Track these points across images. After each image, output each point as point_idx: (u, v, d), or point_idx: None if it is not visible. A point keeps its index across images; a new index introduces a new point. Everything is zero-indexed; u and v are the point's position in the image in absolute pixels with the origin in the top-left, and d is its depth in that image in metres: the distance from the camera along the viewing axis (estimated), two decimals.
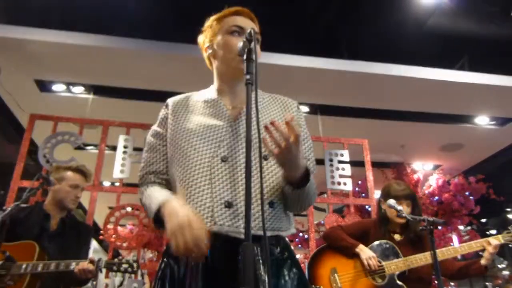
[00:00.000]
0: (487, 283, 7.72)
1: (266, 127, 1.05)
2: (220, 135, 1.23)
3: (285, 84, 4.33)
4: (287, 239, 1.28)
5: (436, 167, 6.95)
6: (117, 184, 5.20)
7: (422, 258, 2.43)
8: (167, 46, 4.05)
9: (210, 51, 1.38)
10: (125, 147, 3.79)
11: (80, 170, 2.54)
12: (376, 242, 2.57)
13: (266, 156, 1.22)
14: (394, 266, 2.47)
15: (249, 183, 0.96)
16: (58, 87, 4.53)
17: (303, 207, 1.24)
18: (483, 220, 8.51)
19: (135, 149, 3.80)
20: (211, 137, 1.23)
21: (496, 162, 6.51)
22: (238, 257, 1.08)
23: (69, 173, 2.50)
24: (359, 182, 6.05)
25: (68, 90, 4.55)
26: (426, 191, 6.41)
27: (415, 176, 6.60)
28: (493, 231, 9.13)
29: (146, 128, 3.93)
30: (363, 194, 6.13)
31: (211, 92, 1.39)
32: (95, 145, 5.39)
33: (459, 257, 2.63)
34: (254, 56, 1.10)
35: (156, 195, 1.20)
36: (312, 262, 2.62)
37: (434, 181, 6.47)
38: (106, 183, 5.69)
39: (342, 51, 4.50)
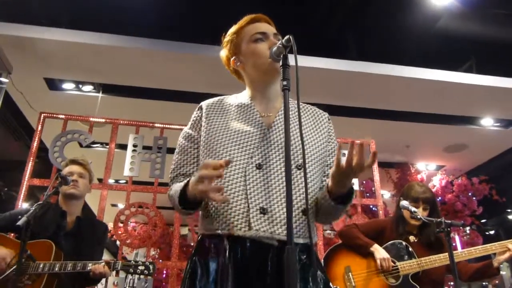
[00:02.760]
0: (484, 283, 7.78)
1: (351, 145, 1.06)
2: (254, 142, 1.24)
3: (294, 84, 4.33)
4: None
5: (440, 167, 6.98)
6: (122, 182, 5.23)
7: (437, 260, 2.44)
8: (176, 46, 4.06)
9: (238, 63, 1.38)
10: (134, 145, 3.80)
11: (73, 160, 2.61)
12: (391, 242, 2.57)
13: (300, 166, 1.22)
14: (408, 266, 2.48)
15: (290, 187, 0.97)
16: (68, 86, 4.53)
17: (331, 221, 1.28)
18: (483, 221, 8.56)
19: (144, 147, 3.81)
20: (245, 143, 1.23)
21: (500, 163, 6.55)
22: (268, 262, 1.11)
23: (66, 167, 2.60)
24: (363, 182, 6.08)
25: (78, 89, 4.55)
26: None
27: (419, 177, 6.64)
28: (492, 232, 9.19)
29: (155, 127, 3.95)
30: (367, 194, 6.17)
31: (244, 97, 1.39)
32: (103, 144, 5.41)
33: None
34: (294, 62, 1.10)
35: (181, 184, 1.22)
36: (326, 260, 2.63)
37: (437, 182, 6.52)
38: (111, 181, 5.69)
39: (351, 52, 4.51)
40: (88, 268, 2.19)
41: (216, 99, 1.40)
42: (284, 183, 1.12)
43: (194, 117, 1.38)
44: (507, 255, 2.36)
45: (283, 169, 1.18)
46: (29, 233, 1.92)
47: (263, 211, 1.14)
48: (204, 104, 1.39)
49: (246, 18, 1.38)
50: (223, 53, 1.45)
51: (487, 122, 5.45)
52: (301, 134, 1.04)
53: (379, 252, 2.51)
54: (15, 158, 5.59)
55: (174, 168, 1.34)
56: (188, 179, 1.18)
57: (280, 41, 1.19)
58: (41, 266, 2.17)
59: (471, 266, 2.55)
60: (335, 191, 1.16)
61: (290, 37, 1.13)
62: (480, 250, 2.45)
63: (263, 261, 1.11)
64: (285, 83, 1.11)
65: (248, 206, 1.14)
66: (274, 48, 1.22)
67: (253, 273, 1.11)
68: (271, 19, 1.42)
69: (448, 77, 4.53)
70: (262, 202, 1.15)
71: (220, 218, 1.16)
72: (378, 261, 2.47)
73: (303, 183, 1.19)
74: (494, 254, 2.47)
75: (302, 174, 1.21)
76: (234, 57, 1.39)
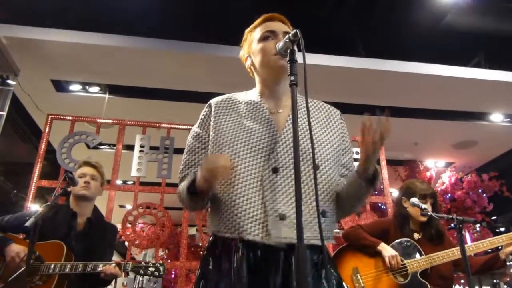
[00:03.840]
0: (495, 281, 7.70)
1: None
2: (267, 144, 1.22)
3: (300, 82, 4.32)
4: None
5: (449, 164, 6.91)
6: (129, 183, 5.24)
7: (445, 256, 2.43)
8: (183, 46, 4.05)
9: (249, 61, 1.40)
10: (141, 146, 3.81)
11: (86, 162, 2.61)
12: (397, 241, 2.56)
13: (317, 165, 1.21)
14: (417, 264, 2.47)
15: (299, 189, 0.97)
16: (75, 87, 4.55)
17: (356, 208, 1.28)
18: (493, 217, 8.47)
19: (151, 148, 3.82)
20: (258, 146, 1.21)
21: (510, 159, 6.46)
22: (280, 263, 1.11)
23: (78, 168, 2.60)
24: None
25: (84, 90, 4.57)
26: (439, 189, 6.39)
27: (428, 174, 6.57)
28: (502, 229, 9.09)
29: (161, 127, 3.95)
30: (376, 192, 6.13)
31: (254, 94, 1.38)
32: (110, 145, 5.42)
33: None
34: (302, 56, 1.09)
35: (189, 179, 1.21)
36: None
37: (447, 179, 6.45)
38: (118, 182, 5.71)
39: (358, 49, 4.48)
40: (99, 269, 2.19)
41: (225, 96, 1.40)
42: (302, 186, 1.13)
43: (203, 115, 1.37)
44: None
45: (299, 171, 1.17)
46: (38, 234, 1.93)
47: (283, 217, 1.12)
48: (213, 102, 1.38)
49: (261, 18, 1.39)
50: (241, 53, 1.47)
51: (497, 117, 5.39)
52: (311, 132, 1.03)
53: (387, 250, 2.50)
54: (24, 160, 5.63)
55: (182, 168, 1.33)
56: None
57: (287, 36, 1.17)
58: (52, 266, 2.17)
59: (478, 259, 2.54)
60: (366, 169, 1.17)
61: (297, 31, 1.12)
62: (487, 243, 2.44)
63: (275, 262, 1.10)
64: (292, 78, 1.10)
65: (266, 213, 1.13)
66: (281, 44, 1.21)
67: (266, 275, 1.10)
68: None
69: (456, 73, 4.48)
70: (281, 208, 1.13)
71: (230, 222, 1.15)
72: (387, 259, 2.46)
73: (322, 183, 1.20)
74: (502, 247, 2.46)
75: (321, 174, 1.21)
76: (246, 55, 1.41)
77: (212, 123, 1.31)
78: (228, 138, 1.25)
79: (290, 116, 1.27)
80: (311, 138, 1.03)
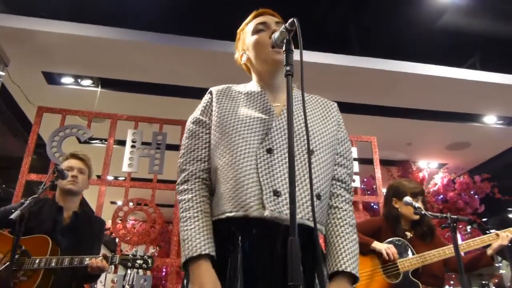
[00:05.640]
0: (484, 282, 7.76)
1: None
2: (265, 128, 1.22)
3: (295, 79, 4.29)
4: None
5: (441, 165, 6.94)
6: (121, 178, 5.18)
7: (436, 254, 2.44)
8: (177, 40, 4.01)
9: (245, 57, 1.39)
10: (133, 141, 3.76)
11: (73, 155, 2.54)
12: (388, 240, 2.57)
13: (312, 150, 1.21)
14: (408, 263, 2.47)
15: (293, 174, 0.94)
16: (66, 80, 4.48)
17: None
18: (485, 219, 8.54)
19: (143, 143, 3.77)
20: (257, 128, 1.22)
21: (502, 161, 6.50)
22: (277, 242, 1.10)
23: (65, 161, 2.54)
24: (364, 179, 6.04)
25: (76, 83, 4.50)
26: (431, 190, 6.41)
27: (420, 175, 6.60)
28: (493, 231, 9.16)
29: (154, 122, 3.90)
30: (368, 192, 6.14)
31: (253, 86, 1.37)
32: (101, 139, 5.36)
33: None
34: (299, 46, 1.07)
35: (194, 234, 1.14)
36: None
37: (439, 180, 6.48)
38: (109, 177, 5.65)
39: (353, 48, 4.46)
40: (86, 263, 2.15)
41: (224, 86, 1.39)
42: (296, 168, 1.13)
43: (204, 102, 1.36)
44: (498, 242, 2.39)
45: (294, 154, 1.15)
46: (23, 227, 1.88)
47: (277, 193, 1.12)
48: (213, 89, 1.37)
49: (251, 15, 1.40)
50: (236, 54, 1.47)
51: (490, 119, 5.40)
52: (305, 117, 1.02)
53: (380, 244, 2.51)
54: (14, 154, 5.54)
55: (184, 153, 1.30)
56: (197, 252, 1.10)
57: (283, 26, 1.15)
58: (37, 261, 2.12)
59: (465, 257, 2.55)
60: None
61: (295, 20, 1.09)
62: (478, 241, 2.46)
63: (273, 242, 1.10)
64: (288, 68, 1.07)
65: (261, 189, 1.12)
66: (277, 34, 1.19)
67: (263, 254, 1.10)
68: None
69: (451, 74, 4.48)
70: (275, 185, 1.13)
71: (234, 200, 1.14)
72: (384, 251, 2.46)
73: (316, 167, 1.20)
74: None
75: (316, 159, 1.21)
76: (241, 52, 1.41)
77: (214, 109, 1.30)
78: (231, 121, 1.24)
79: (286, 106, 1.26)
80: (305, 123, 1.01)
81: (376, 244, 2.51)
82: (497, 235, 2.43)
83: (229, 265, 1.09)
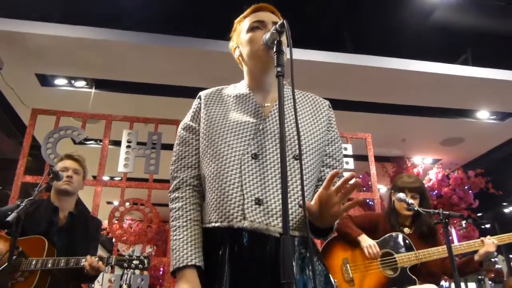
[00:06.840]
0: (480, 277, 7.83)
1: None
2: (251, 132, 1.21)
3: (288, 77, 4.31)
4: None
5: (436, 161, 6.98)
6: (117, 179, 5.18)
7: (435, 252, 2.44)
8: (171, 40, 4.01)
9: (237, 51, 1.38)
10: (128, 141, 3.76)
11: (68, 155, 2.55)
12: (389, 234, 2.58)
13: (297, 156, 1.19)
14: (406, 259, 2.48)
15: (285, 178, 0.95)
16: (60, 81, 4.47)
17: None
18: (479, 214, 8.61)
19: (138, 143, 3.77)
20: (244, 133, 1.21)
21: (496, 156, 6.55)
22: (266, 254, 1.08)
23: (60, 162, 2.54)
24: (360, 176, 6.07)
25: (70, 84, 4.49)
26: (426, 185, 6.45)
27: (415, 170, 6.64)
28: (488, 225, 9.24)
29: (149, 122, 3.90)
30: (364, 188, 6.16)
31: (242, 87, 1.36)
32: (96, 140, 5.35)
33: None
34: (288, 47, 1.08)
35: (181, 244, 1.15)
36: (323, 252, 2.62)
37: (433, 175, 6.52)
38: (105, 178, 5.64)
39: (346, 45, 4.48)
40: (82, 264, 2.14)
41: (214, 89, 1.38)
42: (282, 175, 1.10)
43: (194, 108, 1.36)
44: (484, 249, 2.41)
45: (279, 159, 1.15)
46: (20, 229, 1.89)
47: (258, 202, 1.11)
48: (202, 94, 1.37)
49: (250, 8, 1.36)
50: (230, 44, 1.44)
51: (483, 115, 5.44)
52: (297, 122, 1.01)
53: (365, 240, 2.51)
54: (9, 156, 5.53)
55: (175, 160, 1.31)
56: (184, 263, 1.11)
57: (273, 27, 1.15)
58: (33, 262, 2.13)
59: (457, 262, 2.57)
60: (316, 225, 1.13)
61: (284, 21, 1.10)
62: (464, 246, 2.47)
63: (260, 253, 1.09)
64: (279, 69, 1.08)
65: (243, 197, 1.12)
66: (268, 35, 1.19)
67: (250, 266, 1.08)
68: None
69: (443, 70, 4.51)
70: (258, 192, 1.13)
71: (219, 210, 1.14)
72: (365, 249, 2.47)
73: (300, 174, 1.18)
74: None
75: (299, 165, 1.17)
76: (235, 46, 1.39)
77: (203, 115, 1.30)
78: (218, 128, 1.24)
79: (276, 106, 1.26)
80: (297, 127, 1.01)
81: (362, 238, 2.51)
82: (482, 242, 2.44)
83: (216, 277, 1.09)
